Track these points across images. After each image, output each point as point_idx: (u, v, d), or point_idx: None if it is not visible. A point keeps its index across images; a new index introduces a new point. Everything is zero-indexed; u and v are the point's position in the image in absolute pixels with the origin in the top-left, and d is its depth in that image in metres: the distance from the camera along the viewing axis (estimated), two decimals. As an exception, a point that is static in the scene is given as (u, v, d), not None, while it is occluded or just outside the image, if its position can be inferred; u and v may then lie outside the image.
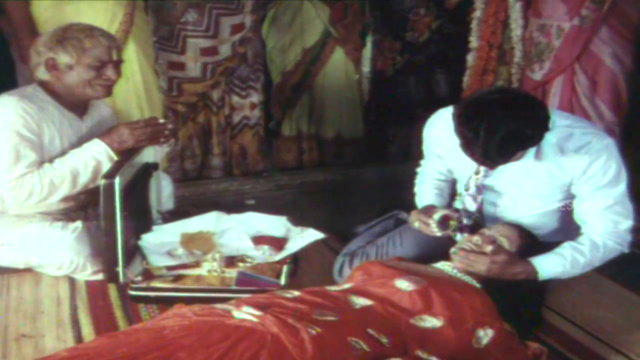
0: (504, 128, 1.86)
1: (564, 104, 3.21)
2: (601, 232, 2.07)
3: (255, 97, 3.79)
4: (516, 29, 3.37)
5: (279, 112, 4.04)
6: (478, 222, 2.28)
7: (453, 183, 2.40)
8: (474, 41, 3.57)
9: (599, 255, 2.08)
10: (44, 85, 2.41)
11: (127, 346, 1.57)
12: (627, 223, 2.09)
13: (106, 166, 2.33)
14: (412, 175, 2.50)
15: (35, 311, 2.18)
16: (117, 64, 2.42)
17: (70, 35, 2.34)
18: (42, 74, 2.38)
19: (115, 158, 2.35)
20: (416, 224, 2.23)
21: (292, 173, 3.88)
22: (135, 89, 3.11)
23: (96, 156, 2.35)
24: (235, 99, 3.75)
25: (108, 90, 2.44)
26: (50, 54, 2.35)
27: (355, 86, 4.03)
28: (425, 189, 2.41)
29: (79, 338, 2.02)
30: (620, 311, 2.26)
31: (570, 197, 2.15)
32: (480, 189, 2.23)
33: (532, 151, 2.06)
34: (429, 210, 2.24)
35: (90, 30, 2.37)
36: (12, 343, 1.99)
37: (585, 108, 3.14)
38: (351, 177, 3.69)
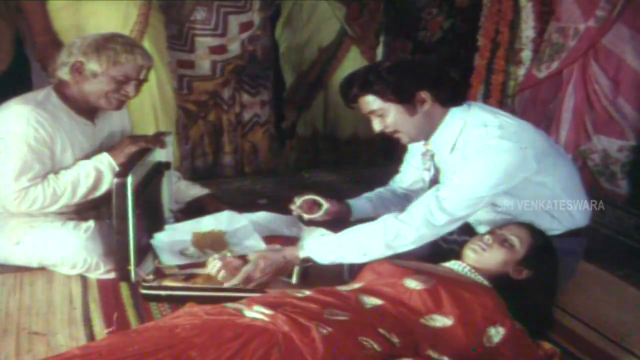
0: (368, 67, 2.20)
1: (577, 104, 3.18)
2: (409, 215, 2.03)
3: (265, 95, 3.79)
4: (526, 30, 3.34)
5: (293, 112, 4.03)
6: None
7: (402, 199, 2.44)
8: (479, 39, 3.55)
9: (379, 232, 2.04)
10: (58, 88, 2.39)
11: (139, 344, 1.58)
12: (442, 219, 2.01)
13: (107, 178, 2.34)
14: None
15: (47, 309, 2.19)
16: (140, 83, 2.40)
17: (111, 46, 2.31)
18: (63, 73, 2.35)
19: (118, 169, 2.34)
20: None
21: (306, 173, 3.87)
22: (149, 89, 3.11)
23: (98, 166, 2.37)
24: (246, 96, 3.75)
25: (121, 105, 2.42)
26: (81, 57, 2.32)
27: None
28: (366, 194, 2.48)
29: (90, 336, 2.03)
30: (633, 313, 2.24)
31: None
32: (426, 154, 2.26)
33: (449, 141, 2.11)
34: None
35: (131, 47, 2.35)
36: (25, 340, 2.00)
37: (607, 108, 3.10)
38: (367, 177, 3.67)
